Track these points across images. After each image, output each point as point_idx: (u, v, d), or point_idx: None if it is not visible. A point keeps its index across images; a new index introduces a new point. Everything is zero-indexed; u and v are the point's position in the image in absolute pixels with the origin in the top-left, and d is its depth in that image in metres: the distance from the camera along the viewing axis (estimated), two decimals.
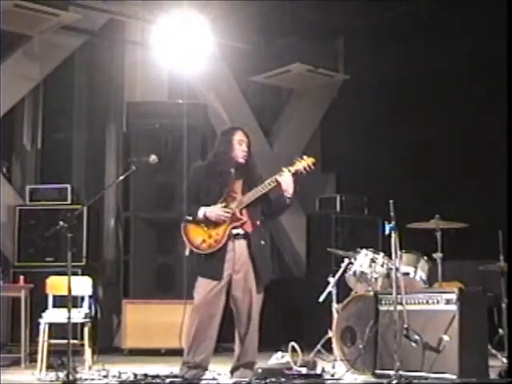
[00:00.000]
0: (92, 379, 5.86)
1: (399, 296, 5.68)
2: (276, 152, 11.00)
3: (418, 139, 9.79)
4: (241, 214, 5.51)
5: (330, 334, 6.72)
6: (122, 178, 6.73)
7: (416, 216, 6.90)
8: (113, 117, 10.21)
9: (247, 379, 5.51)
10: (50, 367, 6.42)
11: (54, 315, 6.75)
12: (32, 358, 7.06)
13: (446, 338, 5.56)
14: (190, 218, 5.51)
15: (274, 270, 6.28)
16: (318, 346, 7.09)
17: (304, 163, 5.59)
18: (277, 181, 5.52)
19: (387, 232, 5.71)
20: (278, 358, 6.27)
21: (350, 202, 10.04)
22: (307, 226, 10.27)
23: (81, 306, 7.01)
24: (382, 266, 6.65)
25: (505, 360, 6.28)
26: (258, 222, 5.58)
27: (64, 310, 5.97)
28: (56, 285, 6.81)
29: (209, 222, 5.50)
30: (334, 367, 6.41)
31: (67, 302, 5.64)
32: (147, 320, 8.50)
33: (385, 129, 10.13)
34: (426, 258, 6.77)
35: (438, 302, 5.74)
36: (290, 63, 10.34)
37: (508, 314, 6.54)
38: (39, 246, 8.73)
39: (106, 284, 9.48)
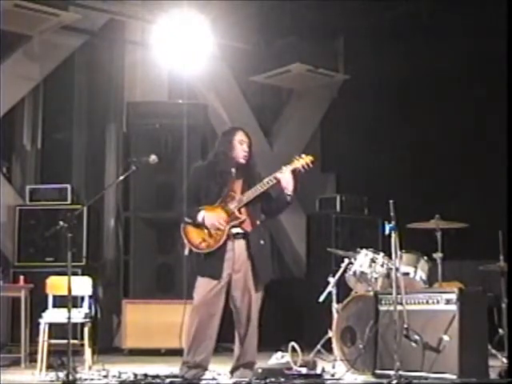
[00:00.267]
0: (92, 379, 5.86)
1: (399, 296, 5.68)
2: (276, 152, 11.00)
3: (418, 139, 9.79)
4: (240, 212, 5.52)
5: (330, 333, 6.72)
6: (122, 178, 6.72)
7: (416, 216, 6.90)
8: (113, 117, 10.21)
9: (247, 379, 5.51)
10: (49, 367, 6.42)
11: (54, 315, 6.75)
12: (32, 358, 7.05)
13: (445, 337, 5.56)
14: (190, 221, 5.52)
15: (273, 269, 6.25)
16: (318, 346, 7.09)
17: (302, 161, 5.59)
18: (276, 178, 5.52)
19: (387, 232, 5.71)
20: (277, 358, 6.27)
21: (350, 201, 10.04)
22: (307, 226, 10.27)
23: (81, 306, 7.00)
24: (382, 265, 6.65)
25: (505, 360, 6.28)
26: (258, 222, 5.58)
27: (64, 310, 5.97)
28: (56, 285, 6.80)
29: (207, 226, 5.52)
30: (334, 367, 6.41)
31: (67, 302, 5.64)
32: (147, 320, 8.50)
33: (385, 129, 10.12)
34: (426, 257, 6.77)
35: (437, 302, 5.74)
36: (290, 63, 10.34)
37: (508, 314, 6.54)
38: (39, 246, 8.73)
39: (105, 284, 9.48)
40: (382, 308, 6.03)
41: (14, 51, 9.34)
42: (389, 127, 10.05)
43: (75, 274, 7.28)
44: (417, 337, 5.64)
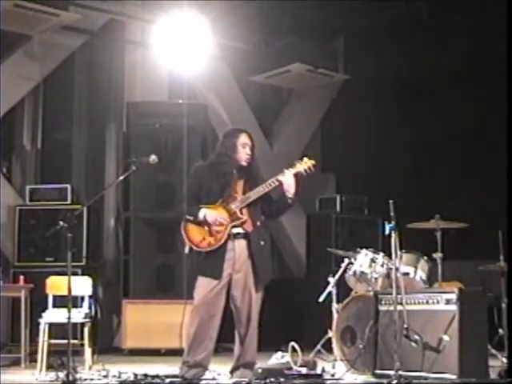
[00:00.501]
0: (92, 379, 5.86)
1: (399, 296, 5.68)
2: (276, 152, 11.00)
3: (418, 139, 9.79)
4: (241, 213, 5.52)
5: (330, 333, 6.72)
6: (121, 177, 6.72)
7: (416, 216, 6.90)
8: (113, 117, 10.21)
9: (247, 379, 5.51)
10: (50, 367, 6.42)
11: (54, 315, 6.75)
12: (32, 358, 7.06)
13: (446, 338, 5.56)
14: (191, 218, 5.52)
15: (273, 269, 6.26)
16: (318, 346, 7.10)
17: (305, 165, 5.60)
18: (279, 181, 5.52)
19: (387, 232, 5.71)
20: (278, 358, 6.27)
21: (350, 202, 10.04)
22: (307, 226, 10.27)
23: (81, 306, 7.01)
24: (382, 266, 6.65)
25: (505, 360, 6.28)
26: (259, 223, 5.59)
27: (64, 310, 5.97)
28: (56, 285, 6.81)
29: (209, 222, 5.51)
30: (334, 367, 6.41)
31: (67, 302, 5.64)
32: (147, 320, 8.50)
33: (385, 129, 10.12)
34: (425, 257, 6.77)
35: (438, 302, 5.74)
36: (290, 63, 10.33)
37: (508, 314, 6.54)
38: (39, 246, 8.73)
39: (106, 284, 9.48)
40: (382, 308, 6.03)
41: (14, 51, 9.34)
42: (389, 127, 10.05)
43: (75, 274, 7.28)
44: (417, 337, 5.64)
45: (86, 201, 9.07)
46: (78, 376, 5.63)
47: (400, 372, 5.41)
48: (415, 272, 6.67)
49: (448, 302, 5.67)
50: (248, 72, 10.75)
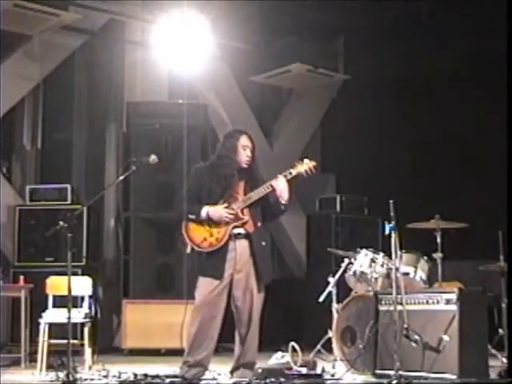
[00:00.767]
0: (92, 379, 5.86)
1: (399, 296, 5.68)
2: (276, 152, 11.00)
3: (418, 139, 9.79)
4: (242, 213, 5.53)
5: (330, 334, 6.72)
6: (122, 177, 6.71)
7: (416, 216, 6.90)
8: (113, 117, 10.20)
9: (247, 379, 5.51)
10: (50, 367, 6.42)
11: (54, 315, 6.75)
12: (32, 358, 7.05)
13: (445, 338, 5.56)
14: (193, 217, 5.52)
15: (274, 270, 6.27)
16: (318, 346, 7.10)
17: (305, 166, 5.60)
18: (272, 186, 5.52)
19: (387, 232, 5.71)
20: (277, 358, 6.27)
21: (350, 202, 10.04)
22: (307, 226, 10.27)
23: (81, 306, 7.01)
24: (382, 265, 6.65)
25: (505, 360, 6.29)
26: (259, 224, 5.59)
27: (64, 310, 5.97)
28: (56, 285, 6.81)
29: (211, 221, 5.51)
30: (334, 367, 6.41)
31: (67, 302, 5.64)
32: (147, 320, 8.50)
33: (385, 129, 10.12)
34: (425, 257, 6.77)
35: (438, 302, 5.74)
36: (290, 63, 10.33)
37: (508, 314, 6.54)
38: (39, 245, 8.73)
39: (106, 284, 9.47)
40: (382, 308, 6.03)
41: (14, 51, 9.33)
42: (389, 127, 10.04)
43: (75, 274, 7.28)
44: (417, 337, 5.64)
45: (86, 201, 9.07)
46: (78, 376, 5.63)
47: (400, 372, 5.41)
48: (415, 272, 6.67)
49: (448, 301, 5.67)
50: (248, 72, 10.75)
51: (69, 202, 8.80)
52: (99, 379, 5.92)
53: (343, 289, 7.02)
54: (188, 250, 5.60)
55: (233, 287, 5.53)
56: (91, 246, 8.88)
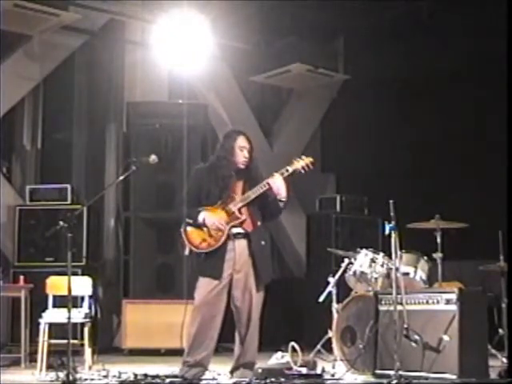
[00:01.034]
0: (92, 379, 5.86)
1: (399, 296, 5.68)
2: (276, 152, 11.00)
3: (418, 139, 9.79)
4: (240, 212, 5.53)
5: (330, 333, 6.72)
6: (122, 178, 6.71)
7: (416, 216, 6.90)
8: (113, 117, 10.20)
9: (247, 379, 5.51)
10: (50, 367, 6.42)
11: (54, 315, 6.75)
12: (32, 358, 7.06)
13: (446, 337, 5.56)
14: (191, 221, 5.53)
15: (274, 269, 6.26)
16: (318, 346, 7.09)
17: (302, 163, 5.60)
18: (268, 184, 5.52)
19: (387, 232, 5.71)
20: (277, 358, 6.27)
21: (350, 201, 10.04)
22: (307, 226, 10.27)
23: (81, 306, 7.01)
24: (382, 266, 6.65)
25: (505, 360, 6.28)
26: (259, 223, 5.59)
27: (64, 310, 5.97)
28: (56, 285, 6.81)
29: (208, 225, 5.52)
30: (334, 367, 6.41)
31: (67, 302, 5.64)
32: (147, 320, 8.50)
33: (385, 129, 10.12)
34: (425, 257, 6.77)
35: (438, 302, 5.74)
36: (290, 63, 10.33)
37: (508, 314, 6.54)
38: (39, 246, 8.73)
39: (106, 284, 9.48)
40: (382, 308, 6.03)
41: (14, 51, 9.33)
42: (389, 127, 10.04)
43: (75, 274, 7.28)
44: (417, 337, 5.64)
45: (86, 201, 9.07)
46: (77, 376, 5.63)
47: (400, 372, 5.40)
48: (415, 272, 6.67)
49: (448, 302, 5.67)
50: (248, 72, 10.75)
51: (69, 202, 8.80)
52: (99, 379, 5.92)
53: (343, 289, 7.02)
54: (186, 252, 5.61)
55: (232, 287, 5.53)
56: (91, 246, 8.88)
